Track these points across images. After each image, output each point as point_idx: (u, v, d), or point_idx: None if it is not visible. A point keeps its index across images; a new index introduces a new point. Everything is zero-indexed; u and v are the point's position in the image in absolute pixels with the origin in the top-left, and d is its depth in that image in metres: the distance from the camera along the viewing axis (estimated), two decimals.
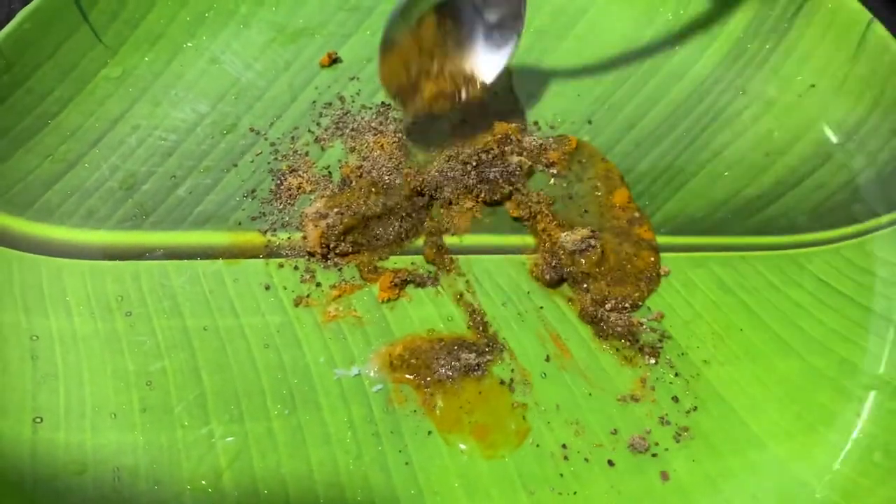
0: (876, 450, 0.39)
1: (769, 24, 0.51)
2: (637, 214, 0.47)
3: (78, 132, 0.48)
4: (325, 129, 0.50)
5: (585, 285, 0.44)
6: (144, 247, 0.46)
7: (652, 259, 0.46)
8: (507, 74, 0.52)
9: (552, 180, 0.48)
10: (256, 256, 0.46)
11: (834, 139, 0.48)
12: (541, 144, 0.49)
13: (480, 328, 0.44)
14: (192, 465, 0.40)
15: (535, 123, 0.50)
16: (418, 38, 0.46)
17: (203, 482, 0.39)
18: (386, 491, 0.40)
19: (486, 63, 0.48)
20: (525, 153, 0.48)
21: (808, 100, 0.49)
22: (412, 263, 0.46)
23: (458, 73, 0.47)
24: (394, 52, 0.46)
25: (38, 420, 0.40)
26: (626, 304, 0.44)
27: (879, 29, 0.47)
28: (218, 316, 0.44)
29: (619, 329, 0.43)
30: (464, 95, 0.47)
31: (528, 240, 0.47)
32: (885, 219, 0.45)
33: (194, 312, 0.44)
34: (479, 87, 0.48)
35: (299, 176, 0.48)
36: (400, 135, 0.49)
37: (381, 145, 0.49)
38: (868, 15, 0.48)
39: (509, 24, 0.47)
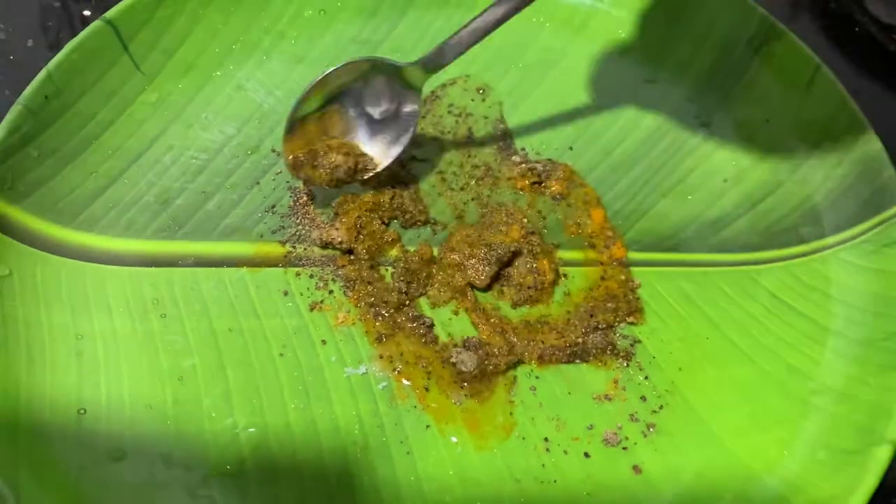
0: (820, 448, 0.39)
1: (729, 66, 0.50)
2: (611, 233, 0.46)
3: (118, 151, 0.47)
4: None
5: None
6: (177, 255, 0.45)
7: (623, 277, 0.45)
8: (499, 105, 0.51)
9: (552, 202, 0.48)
10: (276, 265, 0.45)
11: (784, 169, 0.47)
12: (544, 170, 0.48)
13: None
14: (218, 453, 0.39)
15: (523, 149, 0.49)
16: (321, 123, 0.45)
17: (228, 468, 0.39)
18: (389, 477, 0.39)
19: (378, 149, 0.46)
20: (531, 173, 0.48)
21: (762, 133, 0.49)
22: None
23: (353, 150, 0.46)
24: (296, 135, 0.45)
25: (83, 412, 0.39)
26: (603, 326, 0.43)
27: (826, 72, 0.47)
28: (242, 318, 0.43)
29: (598, 347, 0.43)
30: (360, 169, 0.46)
31: None
32: (830, 240, 0.45)
33: (221, 315, 0.43)
34: (374, 165, 0.46)
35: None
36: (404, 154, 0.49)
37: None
38: (816, 60, 0.47)
39: (400, 119, 0.46)
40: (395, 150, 0.46)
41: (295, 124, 0.45)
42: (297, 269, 0.45)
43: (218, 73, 0.50)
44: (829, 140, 0.46)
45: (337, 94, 0.45)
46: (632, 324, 0.44)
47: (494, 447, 0.40)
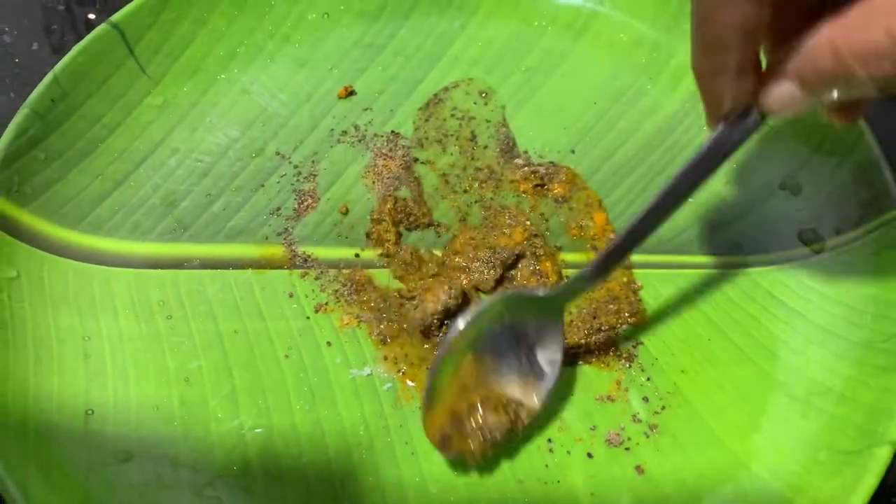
0: (820, 449, 0.39)
1: None
2: (613, 236, 0.47)
3: (124, 154, 0.47)
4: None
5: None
6: (183, 257, 0.45)
7: (625, 279, 0.45)
8: (501, 108, 0.51)
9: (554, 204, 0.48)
10: (281, 267, 0.45)
11: (784, 172, 0.48)
12: (546, 173, 0.48)
13: None
14: (224, 454, 0.39)
15: (525, 152, 0.50)
16: (458, 380, 0.39)
17: (234, 469, 0.39)
18: (394, 478, 0.39)
19: (530, 388, 0.40)
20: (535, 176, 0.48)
21: (762, 137, 0.49)
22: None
23: (502, 400, 0.40)
24: (436, 405, 0.39)
25: (90, 412, 0.40)
26: (606, 327, 0.44)
27: None
28: (247, 320, 0.43)
29: (601, 349, 0.43)
30: (515, 422, 0.40)
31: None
32: (829, 243, 0.45)
33: (226, 317, 0.43)
34: (527, 412, 0.40)
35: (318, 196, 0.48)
36: (406, 158, 0.49)
37: (389, 167, 0.49)
38: None
39: (548, 344, 0.41)
40: (547, 384, 0.40)
41: (428, 397, 0.39)
42: (302, 271, 0.45)
43: (223, 76, 0.51)
44: (827, 144, 0.47)
45: (469, 343, 0.39)
46: (634, 325, 0.44)
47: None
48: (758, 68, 0.32)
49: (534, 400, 0.40)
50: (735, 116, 0.33)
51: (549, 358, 0.41)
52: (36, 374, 0.40)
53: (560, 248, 0.47)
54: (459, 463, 0.40)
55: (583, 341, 0.43)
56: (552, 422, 0.41)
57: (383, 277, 0.45)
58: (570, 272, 0.46)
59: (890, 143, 0.45)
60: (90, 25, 0.57)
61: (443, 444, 0.39)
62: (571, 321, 0.44)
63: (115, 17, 0.48)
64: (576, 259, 0.46)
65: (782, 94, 0.31)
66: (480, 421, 0.39)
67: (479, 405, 0.39)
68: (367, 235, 0.46)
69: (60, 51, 0.55)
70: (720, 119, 0.34)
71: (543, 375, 0.40)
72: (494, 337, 0.40)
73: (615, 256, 0.38)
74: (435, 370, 0.38)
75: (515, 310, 0.40)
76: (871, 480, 0.36)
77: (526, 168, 0.49)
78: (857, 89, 0.28)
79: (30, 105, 0.44)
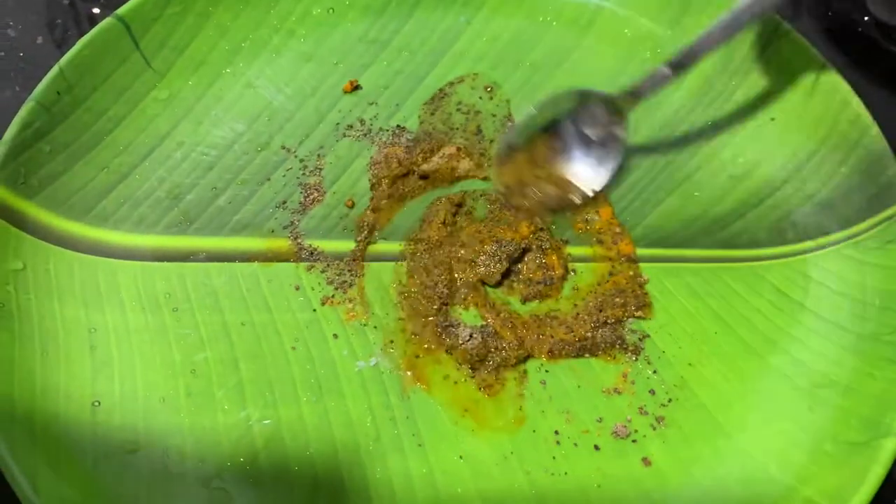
0: (827, 440, 0.39)
1: (735, 65, 0.51)
2: (619, 230, 0.47)
3: (130, 147, 0.47)
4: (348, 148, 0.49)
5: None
6: (189, 250, 0.45)
7: (631, 273, 0.45)
8: (507, 102, 0.51)
9: None
10: (288, 260, 0.45)
11: (790, 166, 0.48)
12: None
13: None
14: (231, 446, 0.39)
15: None
16: (530, 152, 0.47)
17: (241, 460, 0.39)
18: (401, 469, 0.39)
19: (588, 176, 0.47)
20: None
21: (767, 131, 0.49)
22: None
23: (562, 181, 0.47)
24: (505, 164, 0.47)
25: (97, 404, 0.40)
26: (612, 321, 0.44)
27: (831, 71, 0.47)
28: (254, 312, 0.43)
29: (607, 342, 0.43)
30: (567, 200, 0.47)
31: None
32: (835, 236, 0.45)
33: (233, 309, 0.43)
34: (580, 196, 0.47)
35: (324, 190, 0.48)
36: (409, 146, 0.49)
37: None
38: (821, 59, 0.48)
39: (610, 144, 0.47)
40: (602, 178, 0.47)
41: (503, 153, 0.47)
42: (308, 264, 0.45)
43: (228, 70, 0.51)
44: (833, 138, 0.47)
45: (545, 126, 0.47)
46: (640, 318, 0.44)
47: (505, 439, 0.40)
48: None
49: (589, 188, 0.46)
50: None
51: (610, 153, 0.47)
52: (42, 366, 0.40)
53: (566, 242, 0.47)
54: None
55: (589, 334, 0.43)
56: (559, 414, 0.41)
57: (387, 272, 0.45)
58: (577, 265, 0.46)
59: (894, 138, 0.45)
60: (94, 20, 0.57)
61: (507, 194, 0.46)
62: (578, 314, 0.44)
63: (121, 10, 0.48)
64: (582, 252, 0.46)
65: None
66: (543, 189, 0.46)
67: (542, 178, 0.46)
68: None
69: (64, 45, 0.55)
70: None
71: (602, 167, 0.47)
72: (564, 126, 0.47)
73: (683, 63, 0.43)
74: (509, 132, 0.47)
75: (588, 102, 0.46)
76: (878, 471, 0.36)
77: None
78: None
79: (35, 98, 0.45)
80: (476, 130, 0.50)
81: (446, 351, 0.42)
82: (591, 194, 0.47)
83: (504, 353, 0.42)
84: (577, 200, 0.47)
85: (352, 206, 0.47)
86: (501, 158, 0.47)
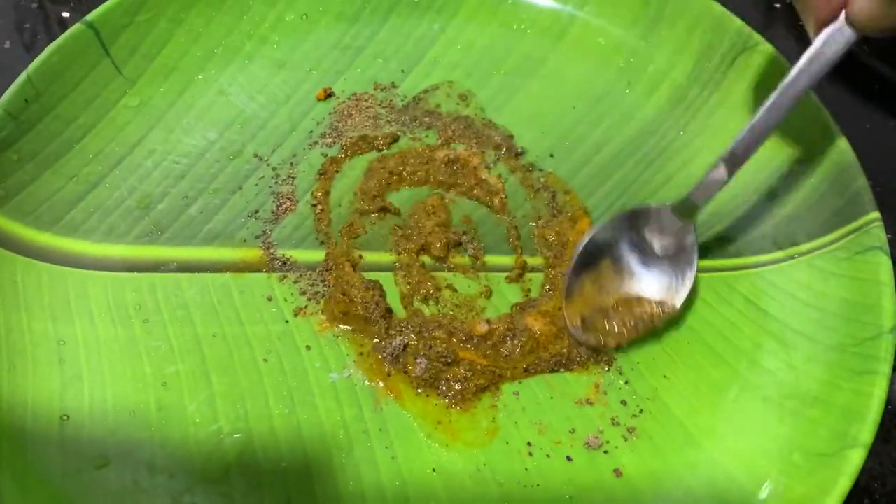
0: (795, 451, 0.39)
1: (707, 75, 0.51)
2: None
3: (100, 155, 0.47)
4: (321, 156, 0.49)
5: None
6: (160, 260, 0.45)
7: None
8: (481, 111, 0.51)
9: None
10: (260, 271, 0.45)
11: (759, 177, 0.48)
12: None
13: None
14: (202, 460, 0.39)
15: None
16: (597, 282, 0.44)
17: (213, 474, 0.39)
18: (374, 482, 0.39)
19: (664, 291, 0.44)
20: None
21: None
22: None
23: (639, 302, 0.44)
24: (576, 299, 0.44)
25: (66, 418, 0.39)
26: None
27: None
28: (225, 324, 0.43)
29: (581, 353, 0.44)
30: (648, 320, 0.43)
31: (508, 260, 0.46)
32: (804, 247, 0.46)
33: (204, 321, 0.43)
34: (665, 310, 0.44)
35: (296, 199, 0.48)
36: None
37: None
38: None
39: (681, 254, 0.44)
40: (683, 290, 0.44)
41: (572, 287, 0.44)
42: (280, 275, 0.45)
43: (200, 77, 0.50)
44: (803, 149, 0.47)
45: (605, 249, 0.44)
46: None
47: (478, 451, 0.40)
48: None
49: (673, 301, 0.44)
50: (829, 27, 0.37)
51: (684, 262, 0.44)
52: (10, 380, 0.40)
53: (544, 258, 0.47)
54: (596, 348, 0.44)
55: (564, 350, 0.43)
56: (532, 425, 0.41)
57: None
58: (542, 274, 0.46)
59: (864, 149, 0.46)
60: (63, 23, 0.56)
61: (583, 327, 0.43)
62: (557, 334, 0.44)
63: (91, 16, 0.47)
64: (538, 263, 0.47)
65: (863, 6, 0.34)
66: (621, 312, 0.43)
67: (621, 304, 0.44)
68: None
69: (33, 49, 0.55)
70: (818, 28, 0.37)
71: (679, 278, 0.44)
72: (628, 245, 0.45)
73: (738, 158, 0.42)
74: (571, 272, 0.44)
75: (642, 222, 0.44)
76: (844, 482, 0.37)
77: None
78: None
79: (2, 105, 0.44)
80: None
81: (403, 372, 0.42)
82: (672, 310, 0.44)
83: (476, 381, 0.42)
84: (658, 321, 0.43)
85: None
86: (569, 293, 0.44)
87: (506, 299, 0.45)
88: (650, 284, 0.44)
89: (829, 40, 0.37)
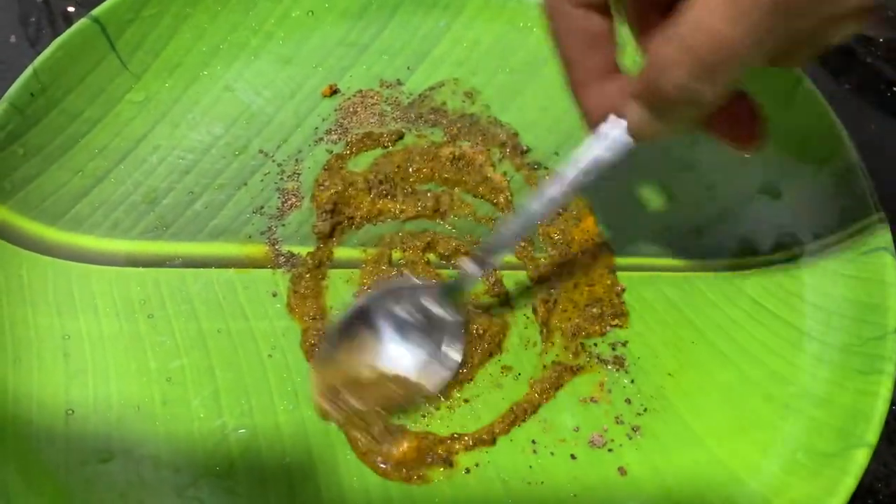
0: (800, 451, 0.40)
1: None
2: (598, 238, 0.47)
3: (105, 150, 0.47)
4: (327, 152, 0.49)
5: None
6: (165, 255, 0.45)
7: (608, 282, 0.46)
8: (486, 108, 0.51)
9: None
10: (264, 266, 0.45)
11: (764, 177, 0.48)
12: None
13: None
14: (207, 455, 0.39)
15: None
16: (357, 352, 0.42)
17: (217, 469, 0.39)
18: (378, 478, 0.39)
19: (428, 372, 0.42)
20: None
21: None
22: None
23: (399, 380, 0.41)
24: (329, 366, 0.42)
25: (70, 412, 0.39)
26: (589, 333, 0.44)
27: (807, 84, 0.48)
28: (230, 319, 0.43)
29: (584, 350, 0.44)
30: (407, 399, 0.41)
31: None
32: (809, 247, 0.46)
33: (209, 316, 0.43)
34: (421, 394, 0.41)
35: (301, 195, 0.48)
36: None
37: None
38: (797, 72, 0.48)
39: (450, 335, 0.42)
40: (445, 373, 0.42)
41: (324, 356, 0.42)
42: (285, 270, 0.45)
43: (205, 72, 0.51)
44: (808, 150, 0.47)
45: (365, 320, 0.42)
46: (617, 327, 0.44)
47: (482, 448, 0.40)
48: (615, 77, 0.35)
49: (429, 384, 0.41)
50: (603, 129, 0.35)
51: (449, 345, 0.42)
52: (15, 374, 0.40)
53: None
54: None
55: (567, 345, 0.44)
56: (536, 423, 0.41)
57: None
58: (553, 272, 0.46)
59: (869, 149, 0.46)
60: (68, 18, 0.57)
61: (329, 398, 0.40)
62: (554, 323, 0.45)
63: (97, 11, 0.47)
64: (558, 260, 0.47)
65: (633, 116, 0.33)
66: (371, 390, 0.41)
67: (373, 377, 0.41)
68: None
69: (38, 44, 0.55)
70: (593, 127, 0.35)
71: (442, 362, 0.42)
72: (395, 321, 0.42)
73: (492, 253, 0.40)
74: (332, 338, 0.42)
75: (410, 297, 0.42)
76: (849, 482, 0.37)
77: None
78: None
79: (8, 99, 0.44)
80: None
81: None
82: (433, 390, 0.41)
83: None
84: (418, 399, 0.41)
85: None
86: (322, 361, 0.42)
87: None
88: (409, 362, 0.42)
89: (603, 140, 0.35)
